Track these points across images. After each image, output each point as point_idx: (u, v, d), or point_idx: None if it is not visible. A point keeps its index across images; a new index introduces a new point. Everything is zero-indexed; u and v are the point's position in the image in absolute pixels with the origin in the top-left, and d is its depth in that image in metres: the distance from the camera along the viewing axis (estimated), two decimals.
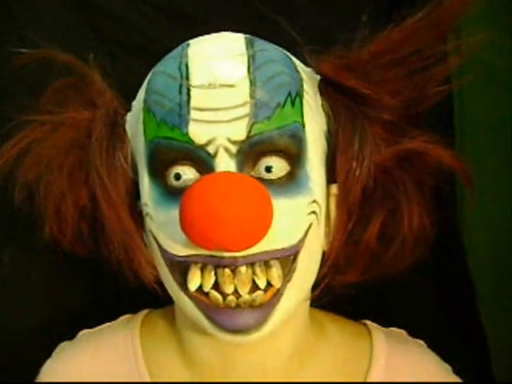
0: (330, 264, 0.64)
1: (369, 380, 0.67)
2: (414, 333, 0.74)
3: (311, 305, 0.69)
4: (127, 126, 0.67)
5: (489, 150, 0.75)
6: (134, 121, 0.66)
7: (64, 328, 0.79)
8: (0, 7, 0.85)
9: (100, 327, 0.75)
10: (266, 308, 0.59)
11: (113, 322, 0.75)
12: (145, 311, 0.75)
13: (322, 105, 0.65)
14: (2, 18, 0.85)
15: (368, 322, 0.74)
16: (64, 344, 0.74)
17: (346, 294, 0.66)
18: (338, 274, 0.65)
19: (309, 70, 0.66)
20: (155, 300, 0.70)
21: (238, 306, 0.58)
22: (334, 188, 0.65)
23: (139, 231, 0.66)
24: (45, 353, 0.74)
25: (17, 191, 0.69)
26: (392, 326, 0.74)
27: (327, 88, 0.65)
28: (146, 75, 0.66)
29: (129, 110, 0.69)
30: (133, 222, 0.65)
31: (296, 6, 0.80)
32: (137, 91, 0.67)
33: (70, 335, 0.75)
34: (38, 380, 0.73)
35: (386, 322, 0.74)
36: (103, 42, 0.75)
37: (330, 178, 0.65)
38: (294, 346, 0.67)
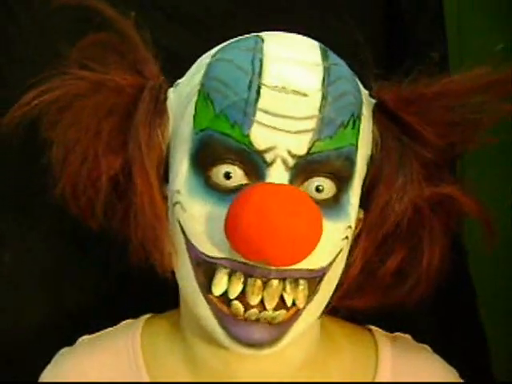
0: (343, 289, 0.64)
1: None
2: (413, 334, 0.75)
3: None
4: (169, 103, 0.64)
5: (489, 152, 0.76)
6: (180, 100, 0.62)
7: (64, 329, 0.79)
8: (0, 7, 0.83)
9: (100, 333, 0.73)
10: (283, 326, 0.59)
11: (113, 327, 0.73)
12: (146, 316, 0.73)
13: (373, 130, 0.64)
14: (2, 18, 0.83)
15: (373, 328, 0.73)
16: (64, 350, 0.72)
17: None
18: (346, 299, 0.66)
19: (366, 92, 0.65)
20: (158, 304, 0.71)
21: (257, 319, 0.57)
22: (359, 212, 0.65)
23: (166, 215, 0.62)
24: (45, 353, 0.72)
25: (54, 150, 0.64)
26: (391, 327, 0.75)
27: (381, 115, 0.64)
28: None
29: (170, 85, 0.65)
30: (164, 206, 0.62)
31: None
32: None
33: (70, 336, 0.73)
34: None
35: (385, 323, 0.75)
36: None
37: (361, 202, 0.64)
38: (303, 357, 0.67)
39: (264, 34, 0.61)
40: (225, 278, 0.58)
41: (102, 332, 0.73)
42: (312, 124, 0.57)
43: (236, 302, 0.57)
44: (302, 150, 0.57)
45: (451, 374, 0.72)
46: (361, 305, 0.67)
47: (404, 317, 0.75)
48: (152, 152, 0.62)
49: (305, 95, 0.57)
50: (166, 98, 0.64)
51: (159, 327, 0.71)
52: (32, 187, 0.73)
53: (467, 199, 0.65)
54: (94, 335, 0.73)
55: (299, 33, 0.63)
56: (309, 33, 0.63)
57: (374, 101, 0.65)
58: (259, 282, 0.57)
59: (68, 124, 0.63)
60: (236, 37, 0.62)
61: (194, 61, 0.64)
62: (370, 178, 0.65)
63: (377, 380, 0.68)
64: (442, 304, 0.85)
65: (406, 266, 0.66)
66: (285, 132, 0.56)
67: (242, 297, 0.57)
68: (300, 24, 0.64)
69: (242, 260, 0.56)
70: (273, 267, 0.56)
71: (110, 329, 0.73)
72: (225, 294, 0.58)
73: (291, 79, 0.57)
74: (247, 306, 0.57)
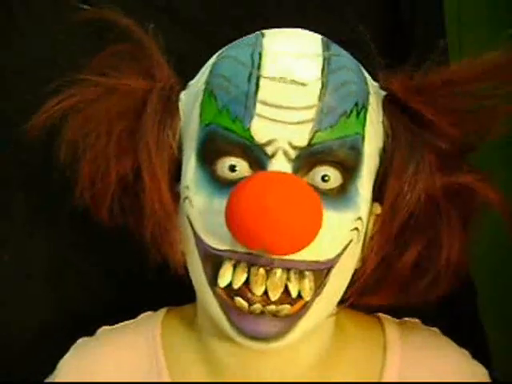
0: (359, 284, 0.63)
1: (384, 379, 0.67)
2: None
3: None
4: (180, 105, 0.66)
5: (489, 149, 0.74)
6: (189, 100, 0.64)
7: (67, 328, 0.80)
8: (0, 7, 0.84)
9: (120, 324, 0.74)
10: (290, 319, 0.58)
11: (133, 319, 0.74)
12: (165, 309, 0.74)
13: (383, 122, 0.64)
14: (2, 18, 0.84)
15: (381, 315, 0.72)
16: (83, 340, 0.73)
17: None
18: (364, 295, 0.65)
19: (375, 84, 0.64)
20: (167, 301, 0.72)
21: (262, 312, 0.57)
22: (376, 207, 0.64)
23: (176, 212, 0.64)
24: (45, 352, 0.73)
25: (62, 148, 0.67)
26: None
27: (391, 106, 0.64)
28: None
29: (183, 88, 0.67)
30: (173, 202, 0.63)
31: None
32: None
33: (72, 335, 0.74)
34: (54, 374, 0.71)
35: None
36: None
37: (374, 196, 0.64)
38: (316, 356, 0.66)
39: (266, 31, 0.62)
40: (230, 270, 0.58)
41: (123, 324, 0.73)
42: (312, 114, 0.57)
43: (238, 299, 0.58)
44: (303, 142, 0.57)
45: (463, 356, 0.70)
46: (378, 302, 0.66)
47: (403, 315, 0.74)
48: (160, 151, 0.63)
49: (303, 84, 0.57)
50: (177, 100, 0.66)
51: (177, 323, 0.72)
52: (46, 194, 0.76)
53: (487, 189, 0.63)
54: (114, 327, 0.73)
55: None
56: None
57: (383, 93, 0.64)
58: (262, 271, 0.57)
59: (80, 126, 0.66)
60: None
61: (198, 63, 0.66)
62: (382, 171, 0.64)
63: (386, 367, 0.67)
64: (442, 303, 0.81)
65: (424, 260, 0.64)
66: (285, 123, 0.57)
67: (246, 290, 0.58)
68: (305, 27, 0.64)
69: (246, 250, 0.56)
70: (276, 256, 0.55)
71: (131, 321, 0.74)
72: (230, 286, 0.58)
73: (290, 69, 0.57)
74: (251, 300, 0.57)
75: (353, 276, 0.64)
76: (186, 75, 0.66)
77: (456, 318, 0.84)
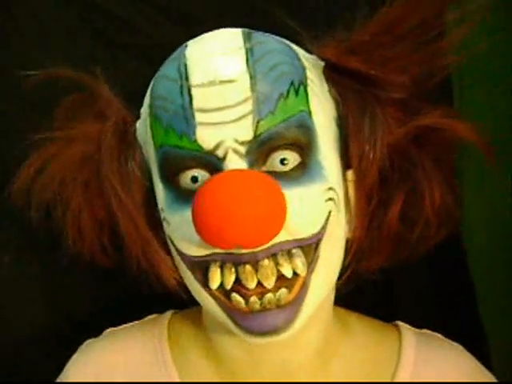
0: (354, 251, 0.64)
1: (396, 380, 0.66)
2: None
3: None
4: (137, 134, 0.67)
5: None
6: (143, 127, 0.66)
7: (64, 331, 0.82)
8: (0, 7, 0.84)
9: (126, 325, 0.75)
10: (293, 306, 0.59)
11: (139, 321, 0.75)
12: (170, 312, 0.75)
13: (329, 91, 0.64)
14: (2, 18, 0.85)
15: (400, 323, 0.72)
16: (90, 341, 0.74)
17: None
18: (362, 260, 0.65)
19: (312, 57, 0.64)
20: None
21: (263, 308, 0.58)
22: (351, 174, 0.64)
23: (158, 237, 0.66)
24: (43, 354, 0.76)
25: (33, 211, 0.70)
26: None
27: (332, 73, 0.64)
28: (146, 76, 0.66)
29: (138, 117, 0.68)
30: (149, 228, 0.65)
31: None
32: (138, 92, 0.67)
33: (70, 338, 0.74)
34: (62, 375, 0.72)
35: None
36: (103, 43, 0.75)
37: (346, 163, 0.64)
38: (318, 342, 0.66)
39: (189, 41, 0.63)
40: (217, 271, 0.59)
41: (128, 325, 0.75)
42: (249, 106, 0.57)
43: (234, 295, 0.59)
44: (248, 135, 0.58)
45: (481, 374, 0.69)
46: (378, 263, 0.66)
47: (403, 316, 0.74)
48: (126, 184, 0.65)
49: (232, 81, 0.58)
50: (134, 130, 0.68)
51: (183, 323, 0.73)
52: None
53: (454, 123, 0.62)
54: (119, 328, 0.75)
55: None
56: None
57: (322, 63, 0.64)
58: (249, 267, 0.58)
59: (45, 184, 0.69)
60: None
61: None
62: (344, 138, 0.64)
63: (398, 371, 0.67)
64: (442, 303, 0.84)
65: (410, 211, 0.64)
66: (226, 123, 0.57)
67: (239, 287, 0.59)
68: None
69: (228, 251, 0.57)
70: (258, 249, 0.56)
71: (136, 322, 0.75)
72: (223, 287, 0.59)
73: (215, 71, 0.58)
74: (247, 295, 0.58)
75: (347, 246, 0.65)
76: None
77: (456, 318, 0.83)
